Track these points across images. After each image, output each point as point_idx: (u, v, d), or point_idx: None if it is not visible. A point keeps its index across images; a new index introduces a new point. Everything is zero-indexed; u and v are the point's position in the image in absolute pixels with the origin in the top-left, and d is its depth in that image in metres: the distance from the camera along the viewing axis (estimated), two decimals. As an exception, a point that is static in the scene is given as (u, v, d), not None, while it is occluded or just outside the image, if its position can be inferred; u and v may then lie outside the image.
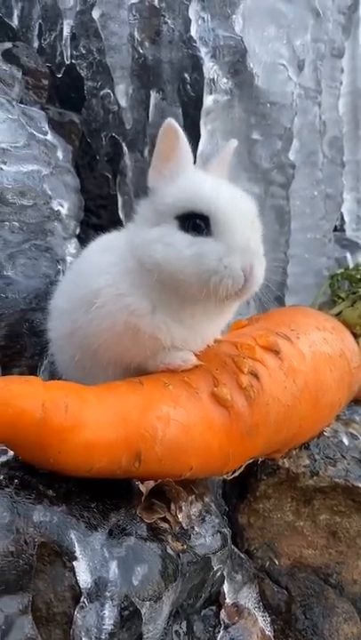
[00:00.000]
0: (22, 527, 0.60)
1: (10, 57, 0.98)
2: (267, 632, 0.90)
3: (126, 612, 0.61)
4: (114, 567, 0.63)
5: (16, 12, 1.11)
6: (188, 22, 1.06)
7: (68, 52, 1.07)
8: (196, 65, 1.09)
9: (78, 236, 1.03)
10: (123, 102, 1.06)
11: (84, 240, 1.04)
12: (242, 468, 0.82)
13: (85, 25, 1.07)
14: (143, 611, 0.63)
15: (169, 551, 0.69)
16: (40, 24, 1.11)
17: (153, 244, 0.69)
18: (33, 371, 0.93)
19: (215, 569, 0.78)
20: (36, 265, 0.90)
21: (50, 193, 0.92)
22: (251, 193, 0.75)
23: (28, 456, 0.63)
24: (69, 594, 0.60)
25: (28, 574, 0.59)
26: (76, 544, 0.62)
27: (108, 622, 0.60)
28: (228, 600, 0.86)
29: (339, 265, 1.45)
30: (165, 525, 0.72)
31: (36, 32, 1.11)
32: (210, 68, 1.05)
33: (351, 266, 1.50)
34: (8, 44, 0.99)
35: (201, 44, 1.05)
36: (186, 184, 0.70)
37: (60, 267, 0.94)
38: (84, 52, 1.08)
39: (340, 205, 1.31)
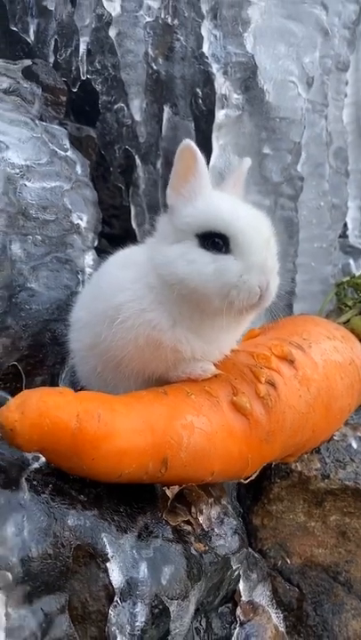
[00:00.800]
0: (59, 531, 0.64)
1: (29, 74, 1.01)
2: (280, 628, 0.94)
3: (156, 610, 0.65)
4: (144, 568, 0.67)
5: (32, 28, 1.14)
6: (200, 39, 1.09)
7: (85, 68, 1.10)
8: (208, 80, 1.12)
9: (95, 247, 1.06)
10: (137, 117, 1.10)
11: (98, 250, 1.07)
12: (257, 472, 0.86)
13: (101, 41, 1.10)
14: (172, 609, 0.66)
15: (193, 552, 0.73)
16: (56, 40, 1.14)
17: (176, 262, 0.72)
18: (54, 379, 0.96)
19: (234, 568, 0.82)
20: (57, 277, 0.94)
21: (70, 207, 0.95)
22: (261, 205, 0.79)
23: (63, 463, 0.67)
24: (103, 593, 0.63)
25: (64, 575, 0.62)
26: (108, 546, 0.66)
27: (140, 620, 0.64)
28: (243, 598, 0.90)
29: (343, 271, 1.50)
30: (188, 528, 0.76)
31: (51, 47, 1.14)
32: (222, 84, 1.08)
33: (354, 272, 1.54)
34: (27, 62, 1.02)
35: (213, 61, 1.08)
36: (205, 205, 0.73)
37: (80, 277, 0.97)
38: (99, 67, 1.12)
39: (344, 214, 1.35)
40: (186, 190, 0.74)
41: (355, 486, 0.94)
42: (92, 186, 1.03)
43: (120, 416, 0.68)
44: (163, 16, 1.08)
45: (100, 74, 1.12)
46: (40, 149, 0.88)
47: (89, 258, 1.01)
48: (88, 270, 1.00)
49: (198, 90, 1.12)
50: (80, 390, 0.97)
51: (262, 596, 0.94)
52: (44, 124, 0.93)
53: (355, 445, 1.01)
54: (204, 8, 1.07)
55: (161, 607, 0.65)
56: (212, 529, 0.80)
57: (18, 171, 0.85)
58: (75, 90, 1.15)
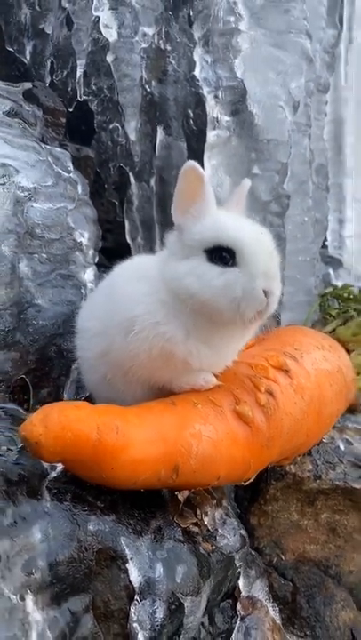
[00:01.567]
0: (82, 536, 0.68)
1: (30, 96, 1.05)
2: (277, 621, 1.00)
3: (173, 607, 0.70)
4: (159, 567, 0.72)
5: (28, 49, 1.18)
6: (192, 64, 1.15)
7: (82, 90, 1.15)
8: (200, 102, 1.18)
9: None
10: (132, 137, 1.14)
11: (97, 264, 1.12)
12: (255, 475, 0.92)
13: (97, 64, 1.15)
14: (186, 604, 0.72)
15: (201, 551, 0.79)
16: (52, 61, 1.18)
17: (187, 277, 0.77)
18: (59, 390, 1.01)
19: (237, 566, 0.87)
20: (62, 292, 0.98)
21: (73, 225, 1.00)
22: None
23: (84, 472, 0.71)
24: (125, 593, 0.68)
25: (88, 577, 0.67)
26: (127, 549, 0.70)
27: (159, 616, 0.69)
28: (243, 593, 0.96)
29: (323, 280, 1.57)
30: (196, 529, 0.81)
31: (47, 69, 1.18)
32: (213, 107, 1.14)
33: (334, 281, 1.62)
34: (28, 85, 1.06)
35: (204, 84, 1.14)
36: (213, 222, 0.79)
37: (83, 292, 1.01)
38: (95, 89, 1.16)
39: (326, 228, 1.43)
40: (194, 210, 0.79)
41: (344, 486, 1.01)
42: (92, 204, 1.08)
43: (134, 427, 0.73)
44: (156, 41, 1.13)
45: (97, 95, 1.16)
46: (46, 172, 0.93)
47: (90, 273, 1.05)
48: (90, 285, 1.04)
49: (190, 111, 1.18)
50: (84, 399, 1.01)
51: (260, 591, 1.00)
52: (48, 147, 0.97)
53: (342, 447, 1.08)
54: (196, 35, 1.13)
55: (177, 603, 0.71)
56: (217, 529, 0.86)
57: (27, 193, 0.89)
58: (71, 110, 1.19)
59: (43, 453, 0.67)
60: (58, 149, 0.99)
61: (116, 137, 1.19)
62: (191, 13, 1.15)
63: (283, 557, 1.04)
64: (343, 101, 1.47)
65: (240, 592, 0.96)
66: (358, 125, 1.52)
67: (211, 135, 1.15)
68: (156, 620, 0.68)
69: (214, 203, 0.80)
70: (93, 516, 0.71)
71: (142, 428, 0.74)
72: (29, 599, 0.62)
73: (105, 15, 1.08)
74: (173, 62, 1.16)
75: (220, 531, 0.86)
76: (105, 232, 1.31)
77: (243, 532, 0.89)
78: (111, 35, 1.09)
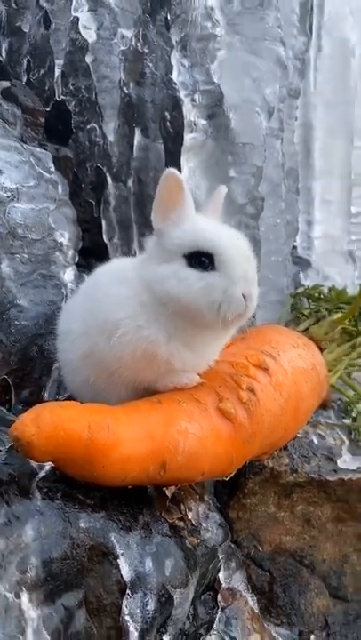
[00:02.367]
0: (74, 533, 0.69)
1: (7, 95, 1.05)
2: (255, 610, 1.04)
3: (163, 599, 0.72)
4: (149, 562, 0.74)
5: (4, 47, 1.17)
6: (169, 67, 1.17)
7: (60, 90, 1.15)
8: (177, 105, 1.20)
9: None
10: (111, 138, 1.15)
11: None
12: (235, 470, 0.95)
13: (75, 65, 1.15)
14: (175, 597, 0.74)
15: (187, 545, 0.81)
16: (29, 60, 1.17)
17: (168, 281, 0.79)
18: (40, 390, 1.01)
19: (219, 558, 0.90)
20: (43, 293, 0.98)
21: (53, 225, 1.00)
22: (228, 224, 0.88)
23: (75, 471, 0.72)
24: (116, 587, 0.70)
25: (81, 573, 0.68)
26: (117, 544, 0.72)
27: (150, 608, 0.71)
28: (224, 585, 0.99)
29: (293, 280, 1.62)
30: (182, 524, 0.84)
31: (24, 67, 1.18)
32: (190, 110, 1.16)
33: (303, 281, 1.67)
34: (6, 83, 1.05)
35: (181, 88, 1.16)
36: (192, 227, 0.81)
37: (63, 292, 1.02)
38: (72, 89, 1.16)
39: (297, 230, 1.47)
40: (174, 215, 0.81)
41: (318, 478, 1.05)
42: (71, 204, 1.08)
43: (124, 425, 0.74)
44: (134, 44, 1.14)
45: (74, 95, 1.16)
46: (29, 173, 0.93)
47: (70, 273, 1.06)
48: (70, 285, 1.05)
49: (167, 114, 1.20)
50: (64, 400, 1.02)
51: (239, 582, 1.03)
52: (30, 148, 0.97)
53: (316, 441, 1.12)
54: (174, 39, 1.15)
55: (167, 596, 0.73)
56: (200, 524, 0.88)
57: (9, 194, 0.89)
58: (47, 109, 1.19)
59: (34, 453, 0.68)
60: (39, 150, 0.99)
61: (93, 137, 1.19)
62: (169, 17, 1.16)
63: (260, 549, 1.08)
64: (312, 106, 1.52)
65: (220, 584, 0.99)
66: (326, 130, 1.57)
67: (188, 138, 1.17)
68: (147, 612, 0.70)
69: (193, 208, 0.82)
70: (84, 514, 0.72)
71: (131, 426, 0.75)
72: (25, 597, 0.63)
73: (84, 16, 1.08)
74: (151, 65, 1.17)
75: (203, 525, 0.88)
76: (82, 232, 1.31)
77: (224, 525, 0.92)
78: (90, 36, 1.09)
